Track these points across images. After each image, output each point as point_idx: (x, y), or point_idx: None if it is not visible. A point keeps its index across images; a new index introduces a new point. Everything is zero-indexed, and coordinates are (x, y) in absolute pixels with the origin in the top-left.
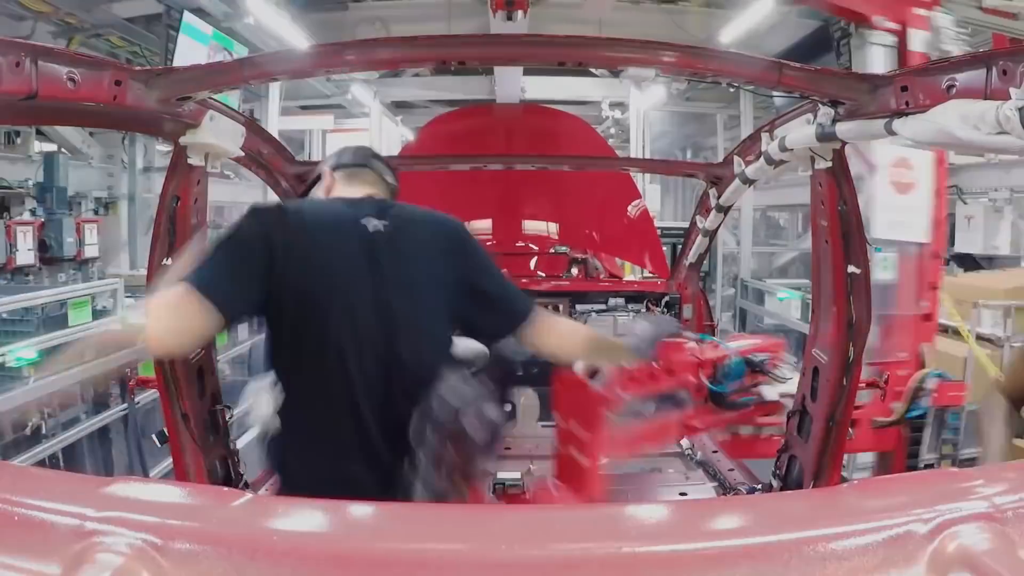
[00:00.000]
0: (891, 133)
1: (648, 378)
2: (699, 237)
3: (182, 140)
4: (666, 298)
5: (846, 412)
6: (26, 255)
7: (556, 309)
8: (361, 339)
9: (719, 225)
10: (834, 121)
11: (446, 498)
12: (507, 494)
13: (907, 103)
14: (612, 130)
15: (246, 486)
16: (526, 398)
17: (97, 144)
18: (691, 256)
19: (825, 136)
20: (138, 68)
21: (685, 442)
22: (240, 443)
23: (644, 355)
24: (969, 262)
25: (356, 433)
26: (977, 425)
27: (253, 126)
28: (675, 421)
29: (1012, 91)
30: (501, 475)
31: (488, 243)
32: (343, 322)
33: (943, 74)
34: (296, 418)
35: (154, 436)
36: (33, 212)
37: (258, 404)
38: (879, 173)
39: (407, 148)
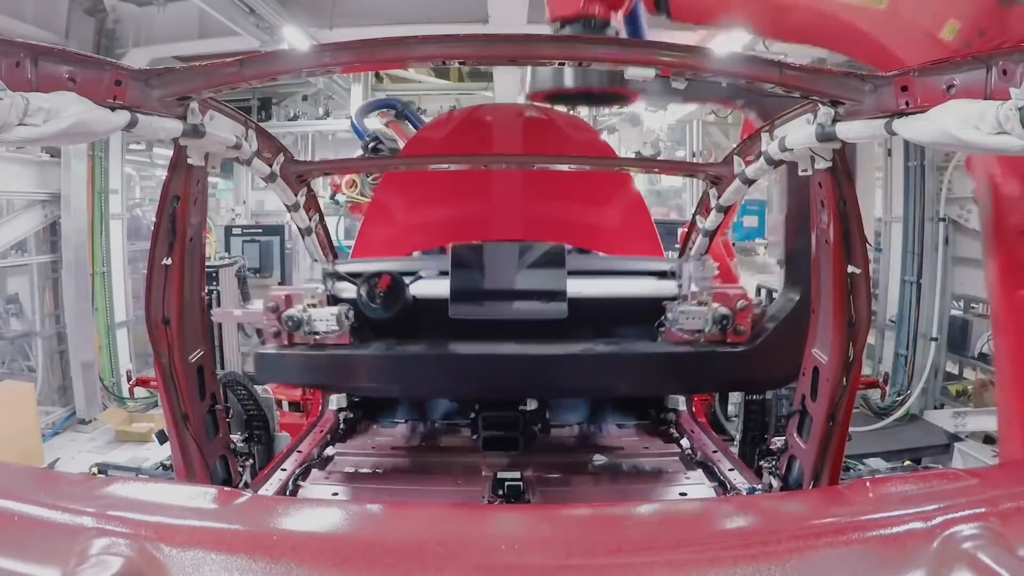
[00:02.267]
0: (891, 133)
1: None
2: (699, 237)
3: (182, 140)
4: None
5: (846, 412)
6: None
7: None
8: None
9: (719, 225)
10: (834, 121)
11: None
12: (507, 495)
13: (907, 103)
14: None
15: (246, 486)
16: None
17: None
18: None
19: (825, 136)
20: (137, 68)
21: (685, 442)
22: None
23: None
24: None
25: None
26: None
27: (253, 126)
28: None
29: (1012, 91)
30: (501, 475)
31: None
32: None
33: (943, 74)
34: None
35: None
36: None
37: None
38: None
39: (407, 148)
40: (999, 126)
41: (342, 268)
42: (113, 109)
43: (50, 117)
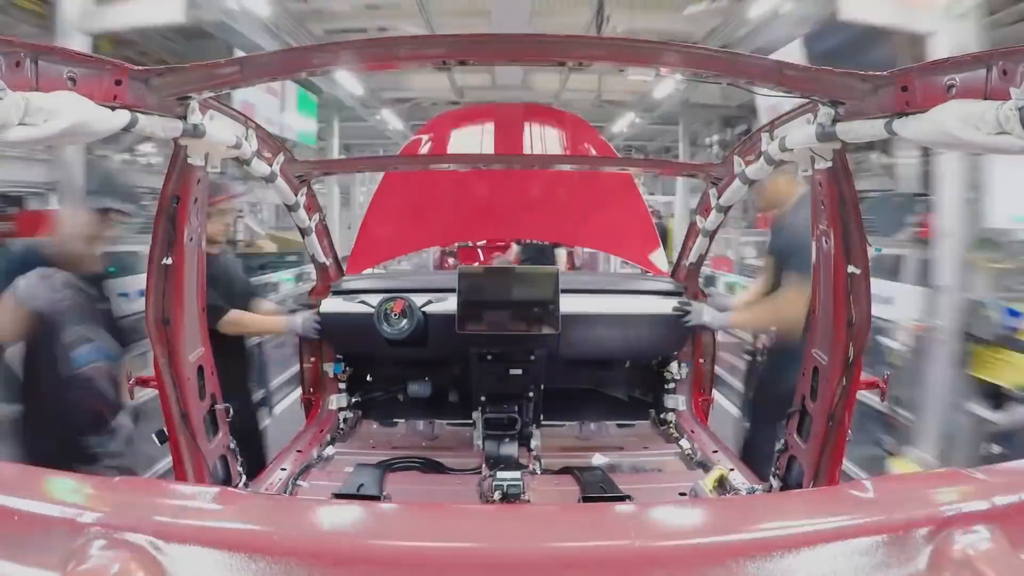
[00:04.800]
0: (891, 133)
1: None
2: (699, 237)
3: (182, 140)
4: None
5: (846, 412)
6: None
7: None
8: None
9: (719, 225)
10: (834, 121)
11: None
12: (507, 495)
13: (907, 103)
14: None
15: (246, 486)
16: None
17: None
18: (691, 256)
19: (825, 136)
20: (137, 68)
21: (685, 443)
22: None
23: None
24: None
25: None
26: None
27: (253, 125)
28: None
29: (1012, 91)
30: (501, 476)
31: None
32: None
33: (943, 74)
34: None
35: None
36: None
37: None
38: None
39: (407, 148)
40: (999, 126)
41: (350, 285)
42: (113, 109)
43: (50, 117)
